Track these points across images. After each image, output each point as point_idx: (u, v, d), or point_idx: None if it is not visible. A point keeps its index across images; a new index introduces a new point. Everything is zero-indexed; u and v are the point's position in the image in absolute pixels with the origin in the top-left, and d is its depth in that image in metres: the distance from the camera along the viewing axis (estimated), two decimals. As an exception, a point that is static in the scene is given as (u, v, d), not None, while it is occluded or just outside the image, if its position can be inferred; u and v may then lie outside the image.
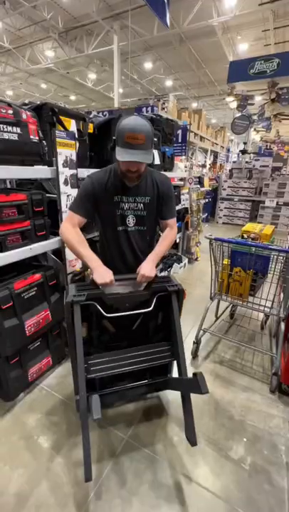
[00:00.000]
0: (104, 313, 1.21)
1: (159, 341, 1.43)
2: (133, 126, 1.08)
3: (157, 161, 2.66)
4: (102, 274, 1.18)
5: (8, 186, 2.06)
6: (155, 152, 2.61)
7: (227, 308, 2.51)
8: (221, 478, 1.25)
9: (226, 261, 1.92)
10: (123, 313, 1.25)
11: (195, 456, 1.33)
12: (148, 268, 1.24)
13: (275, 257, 1.69)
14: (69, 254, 1.77)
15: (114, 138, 1.14)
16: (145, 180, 1.31)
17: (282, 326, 1.80)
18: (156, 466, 1.28)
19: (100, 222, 1.41)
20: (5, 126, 1.26)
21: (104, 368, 1.26)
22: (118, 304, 1.25)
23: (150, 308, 1.27)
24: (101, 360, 1.28)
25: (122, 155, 1.10)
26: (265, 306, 1.83)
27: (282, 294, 1.90)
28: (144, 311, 1.28)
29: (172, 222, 1.44)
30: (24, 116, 1.36)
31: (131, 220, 1.34)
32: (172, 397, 1.66)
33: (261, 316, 2.47)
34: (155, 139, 2.62)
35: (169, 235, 1.42)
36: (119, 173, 1.24)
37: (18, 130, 1.34)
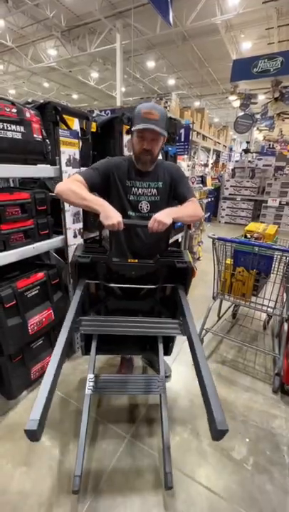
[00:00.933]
0: (106, 284, 1.22)
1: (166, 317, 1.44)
2: (150, 106, 1.18)
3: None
4: (109, 215, 1.09)
5: (12, 185, 2.07)
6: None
7: (229, 308, 2.50)
8: (223, 478, 1.25)
9: (228, 260, 1.91)
10: (127, 286, 1.25)
11: (197, 455, 1.33)
12: (163, 214, 1.13)
13: (279, 257, 1.68)
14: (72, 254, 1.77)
15: (130, 118, 1.23)
16: (157, 168, 1.34)
17: (285, 326, 1.80)
18: (158, 465, 1.28)
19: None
20: (8, 124, 1.26)
21: (98, 325, 1.22)
22: (124, 271, 1.24)
23: (156, 286, 1.28)
24: (97, 319, 1.29)
25: (138, 125, 1.16)
26: (268, 306, 1.83)
27: (285, 295, 1.89)
28: (151, 287, 1.28)
29: (195, 200, 1.35)
30: (28, 114, 1.36)
31: (144, 206, 1.32)
32: (174, 397, 1.66)
33: (264, 316, 2.46)
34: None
35: (193, 204, 1.32)
36: (134, 158, 1.29)
37: (22, 129, 1.34)
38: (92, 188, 1.23)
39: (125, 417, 1.53)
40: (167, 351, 1.63)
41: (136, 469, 1.26)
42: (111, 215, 1.09)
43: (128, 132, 1.27)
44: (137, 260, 1.24)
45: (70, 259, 1.19)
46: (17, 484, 1.19)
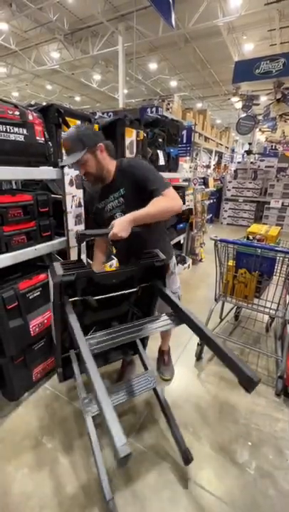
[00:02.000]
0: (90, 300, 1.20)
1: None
2: (62, 139, 1.26)
3: (162, 162, 2.65)
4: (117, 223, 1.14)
5: (14, 187, 2.08)
6: (160, 153, 2.60)
7: (232, 309, 2.49)
8: (226, 482, 1.24)
9: (231, 262, 1.91)
10: (111, 295, 1.26)
11: (199, 459, 1.32)
12: (118, 221, 1.10)
13: (281, 258, 1.67)
14: (74, 255, 1.77)
15: None
16: (116, 175, 1.32)
17: (288, 328, 1.78)
18: (160, 469, 1.27)
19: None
20: (11, 127, 1.27)
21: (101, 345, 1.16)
22: (105, 281, 1.24)
23: (136, 288, 1.31)
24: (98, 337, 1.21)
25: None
26: (270, 308, 1.81)
27: (287, 296, 1.88)
28: (131, 291, 1.31)
29: (167, 192, 1.20)
30: (30, 117, 1.37)
31: (119, 216, 1.26)
32: (175, 400, 1.65)
33: (266, 318, 2.44)
34: (160, 140, 2.61)
35: (161, 198, 1.18)
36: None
37: (25, 131, 1.34)
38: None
39: (126, 423, 1.52)
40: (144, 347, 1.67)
41: (138, 473, 1.26)
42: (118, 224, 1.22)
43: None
44: (115, 268, 1.27)
45: (50, 282, 1.13)
46: (19, 486, 1.19)
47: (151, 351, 2.02)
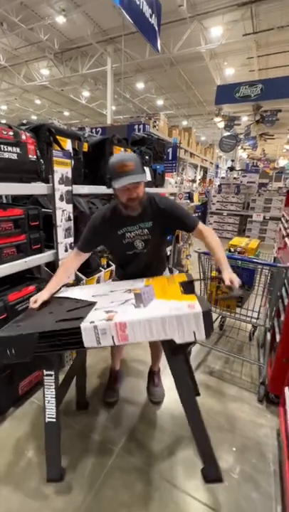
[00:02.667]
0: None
1: None
2: (121, 158, 1.24)
3: (149, 178, 2.78)
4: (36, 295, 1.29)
5: (4, 201, 2.12)
6: (147, 169, 2.73)
7: (216, 319, 2.57)
8: (210, 487, 1.27)
9: (214, 273, 2.01)
10: None
11: (184, 466, 1.35)
12: (232, 275, 1.27)
13: (260, 269, 1.79)
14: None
15: (108, 177, 1.25)
16: (146, 207, 1.35)
17: (268, 336, 1.88)
18: (147, 477, 1.29)
19: (109, 249, 1.51)
20: (5, 146, 1.34)
21: None
22: None
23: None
24: None
25: (118, 183, 1.20)
26: (251, 317, 1.91)
27: (267, 305, 1.99)
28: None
29: (201, 226, 1.39)
30: (24, 137, 1.45)
31: (139, 244, 1.39)
32: (159, 408, 1.68)
33: (249, 327, 2.54)
34: (146, 157, 2.75)
35: (214, 240, 1.38)
36: (121, 206, 1.31)
37: (18, 150, 1.42)
38: (92, 251, 1.49)
39: (113, 433, 1.53)
40: None
41: (125, 482, 1.27)
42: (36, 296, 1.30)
43: (109, 186, 1.28)
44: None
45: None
46: (3, 503, 1.18)
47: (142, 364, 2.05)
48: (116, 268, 1.67)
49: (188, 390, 1.11)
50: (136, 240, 1.39)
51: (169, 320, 0.93)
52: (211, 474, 1.04)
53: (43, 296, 1.30)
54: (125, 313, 1.02)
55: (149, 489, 1.24)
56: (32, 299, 1.30)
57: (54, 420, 1.15)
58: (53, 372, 1.16)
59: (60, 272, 1.42)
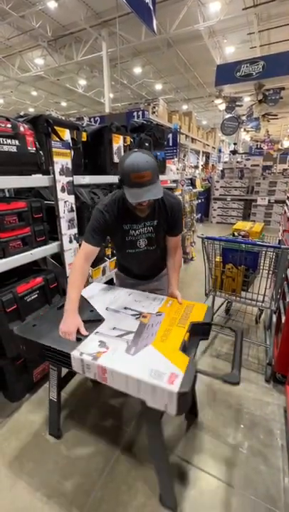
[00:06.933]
0: None
1: None
2: (137, 166, 1.07)
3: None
4: (67, 322, 1.15)
5: (7, 195, 2.13)
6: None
7: (222, 304, 2.60)
8: (220, 461, 1.32)
9: (218, 258, 2.01)
10: None
11: (194, 442, 1.41)
12: (177, 292, 1.46)
13: (264, 252, 1.78)
14: (68, 258, 1.84)
15: (119, 178, 1.16)
16: (154, 205, 1.29)
17: (274, 317, 1.89)
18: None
19: (113, 243, 1.49)
20: (4, 139, 1.34)
21: None
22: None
23: None
24: None
25: (132, 196, 1.11)
26: (257, 301, 1.92)
27: (272, 288, 1.99)
28: None
29: (178, 238, 1.47)
30: (22, 129, 1.44)
31: (142, 243, 1.38)
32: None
33: (255, 310, 2.56)
34: (146, 144, 2.71)
35: (177, 260, 1.52)
36: (129, 205, 1.23)
37: (17, 142, 1.42)
38: (100, 245, 1.34)
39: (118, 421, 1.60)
40: None
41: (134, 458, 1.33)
42: (68, 324, 1.15)
43: (118, 186, 1.21)
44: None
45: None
46: (25, 480, 1.25)
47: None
48: (116, 260, 1.66)
49: (157, 447, 1.10)
50: (139, 238, 1.36)
51: (145, 385, 0.90)
52: (168, 502, 1.15)
53: (74, 322, 1.16)
54: (113, 355, 1.01)
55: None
56: (65, 331, 1.14)
57: (55, 400, 1.40)
58: (56, 369, 1.36)
59: (79, 280, 1.27)
